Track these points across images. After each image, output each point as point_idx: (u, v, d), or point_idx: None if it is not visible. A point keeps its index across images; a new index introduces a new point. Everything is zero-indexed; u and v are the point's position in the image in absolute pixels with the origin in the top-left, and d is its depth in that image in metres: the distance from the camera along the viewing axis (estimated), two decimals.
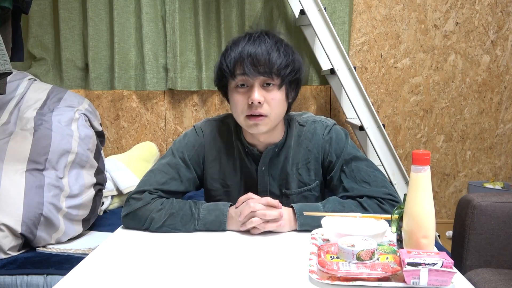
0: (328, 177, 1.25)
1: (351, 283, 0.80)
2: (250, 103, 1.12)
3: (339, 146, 1.23)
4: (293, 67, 1.16)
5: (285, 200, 1.26)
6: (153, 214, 1.14)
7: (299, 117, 1.30)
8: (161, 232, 1.14)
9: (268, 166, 1.25)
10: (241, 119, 1.17)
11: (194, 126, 1.31)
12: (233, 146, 1.27)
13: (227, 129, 1.29)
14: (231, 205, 1.15)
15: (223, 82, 1.20)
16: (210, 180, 1.28)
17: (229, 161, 1.27)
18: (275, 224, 1.09)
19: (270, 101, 1.13)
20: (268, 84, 1.14)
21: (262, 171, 1.25)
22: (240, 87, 1.15)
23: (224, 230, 1.13)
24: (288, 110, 1.24)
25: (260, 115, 1.13)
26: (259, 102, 1.12)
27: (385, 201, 1.15)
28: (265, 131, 1.17)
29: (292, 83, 1.19)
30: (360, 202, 1.15)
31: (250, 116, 1.14)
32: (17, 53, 2.18)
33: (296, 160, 1.25)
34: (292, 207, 1.13)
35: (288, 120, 1.27)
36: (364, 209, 1.14)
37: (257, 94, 1.11)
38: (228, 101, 1.24)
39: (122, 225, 1.21)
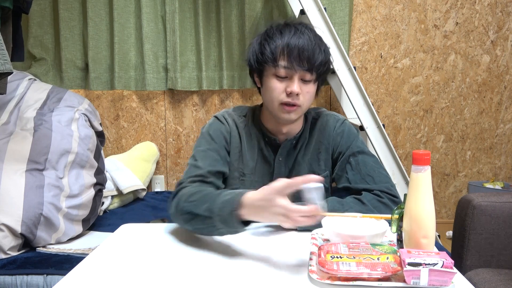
0: (335, 168, 1.29)
1: (351, 283, 0.80)
2: (288, 92, 1.18)
3: (350, 139, 1.28)
4: (328, 64, 1.24)
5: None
6: (186, 190, 1.11)
7: (313, 111, 1.36)
8: (186, 212, 1.04)
9: (285, 157, 1.29)
10: (275, 105, 1.22)
11: (215, 116, 1.33)
12: (252, 137, 1.31)
13: (246, 121, 1.33)
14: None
15: (260, 66, 1.23)
16: (230, 167, 1.30)
17: (248, 150, 1.30)
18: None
19: (305, 93, 1.20)
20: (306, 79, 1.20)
21: (279, 161, 1.29)
22: (279, 76, 1.20)
23: (237, 208, 0.94)
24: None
25: (294, 105, 1.20)
26: (297, 94, 1.18)
27: (384, 195, 1.17)
28: (295, 119, 1.24)
29: (324, 78, 1.28)
30: (359, 198, 1.17)
31: (284, 105, 1.20)
32: (17, 52, 2.18)
33: (308, 151, 1.30)
34: None
35: (305, 114, 1.32)
36: (363, 205, 1.15)
37: (297, 86, 1.18)
38: (256, 84, 1.30)
39: (122, 225, 1.21)
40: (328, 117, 1.33)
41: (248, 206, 0.93)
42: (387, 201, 1.17)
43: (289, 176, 1.28)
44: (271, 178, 1.28)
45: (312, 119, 1.33)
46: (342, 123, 1.31)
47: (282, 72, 1.18)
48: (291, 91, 1.18)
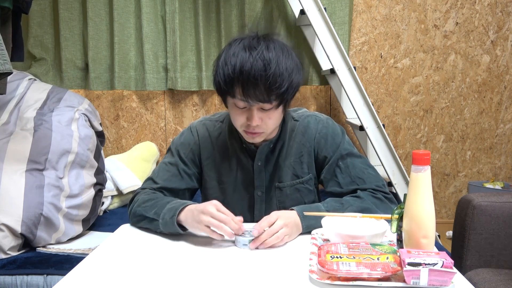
0: (322, 171, 1.26)
1: (351, 283, 0.80)
2: (248, 124, 1.14)
3: (335, 141, 1.24)
4: (292, 87, 1.12)
5: (278, 193, 1.27)
6: (140, 196, 1.23)
7: (294, 112, 1.31)
8: (138, 215, 1.18)
9: (264, 161, 1.26)
10: (239, 130, 1.20)
11: (190, 125, 1.34)
12: (228, 145, 1.28)
13: (222, 129, 1.30)
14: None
15: (221, 94, 1.17)
16: (206, 177, 1.30)
17: (224, 159, 1.28)
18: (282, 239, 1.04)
19: (267, 120, 1.14)
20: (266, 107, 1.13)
21: (258, 166, 1.26)
22: (238, 107, 1.14)
23: (176, 214, 1.08)
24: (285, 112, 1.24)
25: (258, 131, 1.16)
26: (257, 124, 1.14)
27: (377, 192, 1.19)
28: (260, 141, 1.21)
29: (291, 98, 1.17)
30: (356, 195, 1.18)
31: (247, 131, 1.16)
32: (17, 53, 2.18)
33: (290, 154, 1.27)
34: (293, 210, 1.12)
35: (283, 116, 1.26)
36: (361, 199, 1.16)
37: (256, 118, 1.12)
38: (226, 105, 1.22)
39: (122, 225, 1.22)
40: (309, 119, 1.27)
41: (185, 211, 1.08)
42: (381, 196, 1.19)
43: (271, 181, 1.27)
44: (253, 185, 1.27)
45: (292, 120, 1.28)
46: (324, 124, 1.26)
47: (240, 104, 1.12)
48: (250, 123, 1.12)
